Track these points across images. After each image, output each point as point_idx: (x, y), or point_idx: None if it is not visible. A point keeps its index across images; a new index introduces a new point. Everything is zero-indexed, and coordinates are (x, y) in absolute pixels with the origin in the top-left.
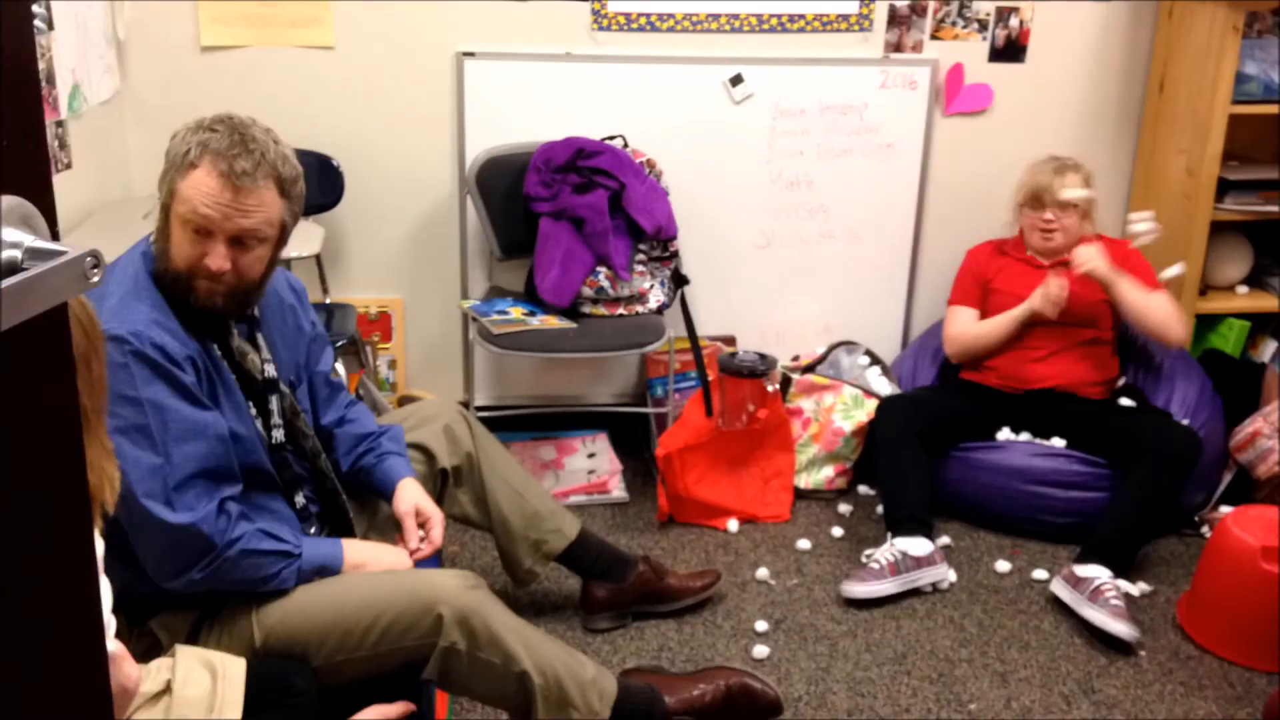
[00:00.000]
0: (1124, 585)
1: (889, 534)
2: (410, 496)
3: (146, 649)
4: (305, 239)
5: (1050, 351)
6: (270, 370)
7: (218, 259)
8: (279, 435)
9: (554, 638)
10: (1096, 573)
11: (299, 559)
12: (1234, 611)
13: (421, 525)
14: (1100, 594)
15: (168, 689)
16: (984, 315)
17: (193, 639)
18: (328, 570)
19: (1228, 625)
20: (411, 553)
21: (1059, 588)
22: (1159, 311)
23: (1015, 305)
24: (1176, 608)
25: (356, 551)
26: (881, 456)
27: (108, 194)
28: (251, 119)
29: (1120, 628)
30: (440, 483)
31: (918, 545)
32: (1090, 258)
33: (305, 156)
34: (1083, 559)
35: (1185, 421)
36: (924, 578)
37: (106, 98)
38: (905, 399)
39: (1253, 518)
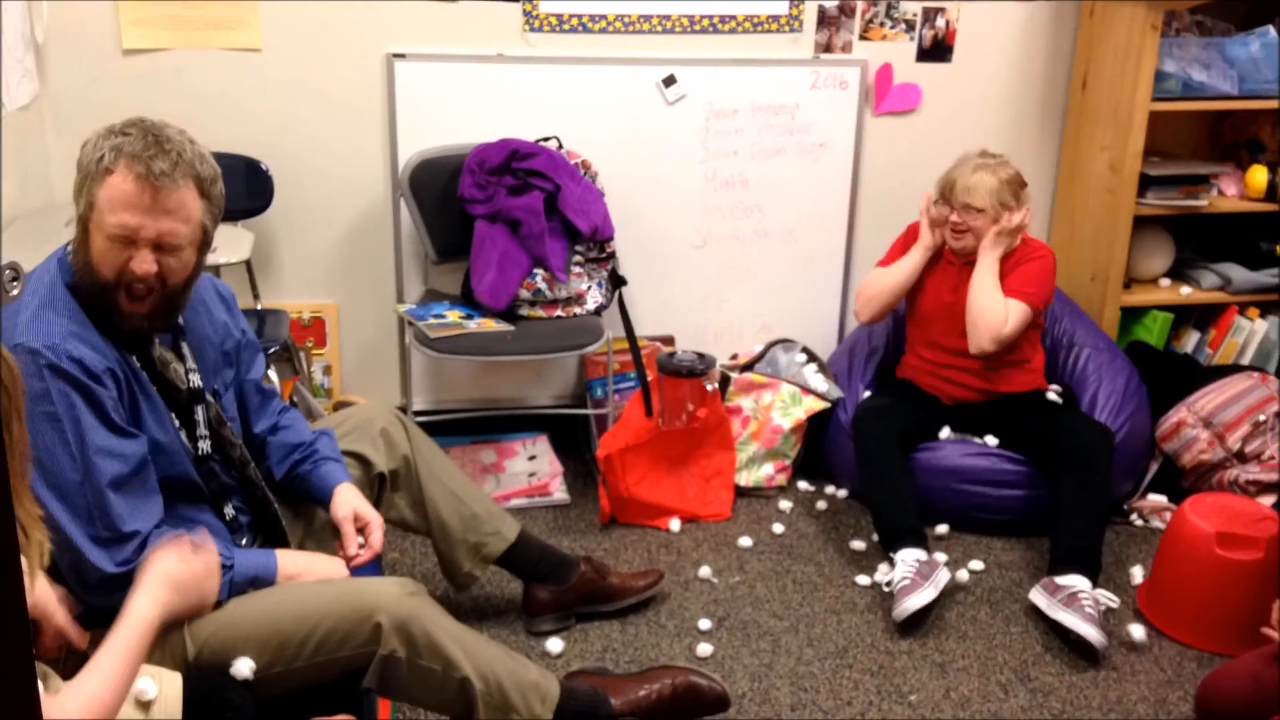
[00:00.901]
0: (1101, 597)
1: (893, 548)
2: (348, 501)
3: (78, 663)
4: (235, 244)
5: (963, 368)
6: (195, 380)
7: (144, 263)
8: (205, 446)
9: (495, 642)
10: (1074, 582)
11: (230, 571)
12: (1191, 597)
13: (360, 530)
14: (1076, 601)
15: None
16: (906, 299)
17: None
18: (261, 581)
19: (1186, 611)
20: (350, 559)
21: (1037, 596)
22: (984, 310)
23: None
24: (1137, 595)
25: (291, 561)
26: (867, 471)
27: (28, 201)
28: (164, 122)
29: (1093, 633)
30: (377, 488)
31: (919, 554)
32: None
33: (233, 160)
34: (1059, 569)
35: (1110, 414)
36: (943, 576)
37: (25, 102)
38: (878, 410)
39: (1209, 505)
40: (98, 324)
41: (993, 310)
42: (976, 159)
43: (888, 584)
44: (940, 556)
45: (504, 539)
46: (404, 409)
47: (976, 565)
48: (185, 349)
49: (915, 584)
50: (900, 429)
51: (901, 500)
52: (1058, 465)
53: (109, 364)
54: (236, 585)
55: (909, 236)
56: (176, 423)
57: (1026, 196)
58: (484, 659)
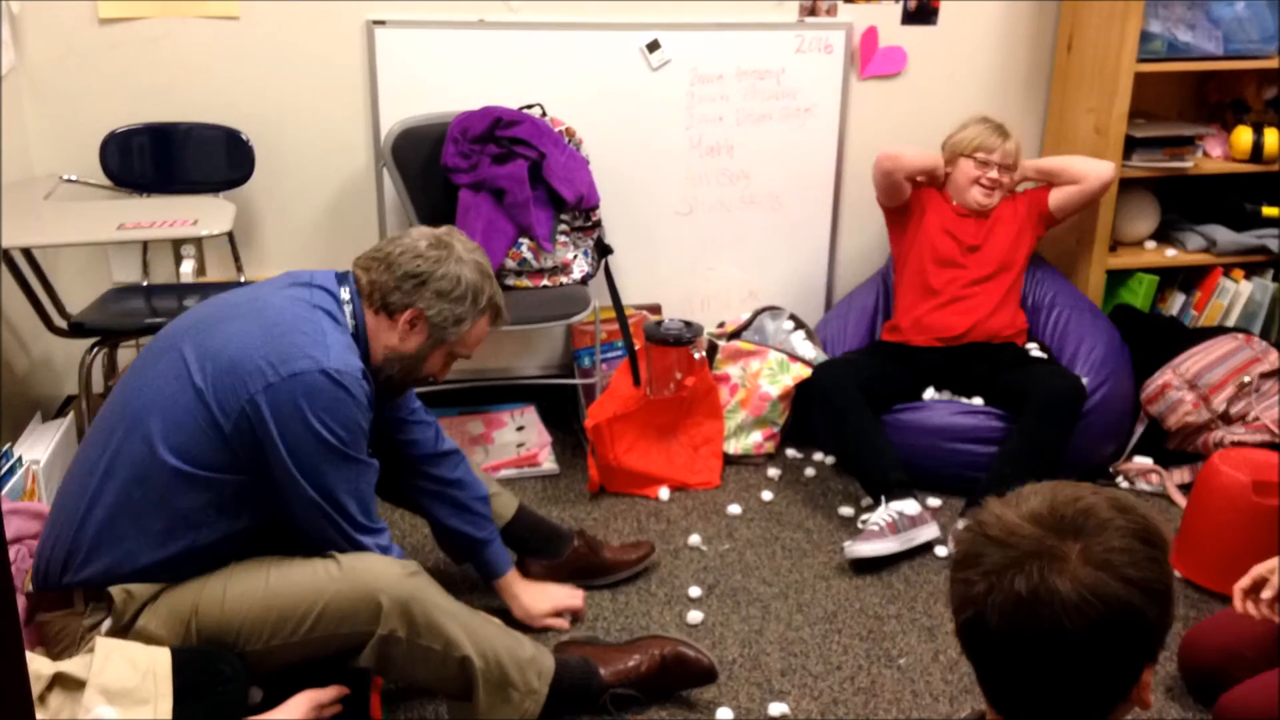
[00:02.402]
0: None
1: (882, 498)
2: (532, 595)
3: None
4: (216, 216)
5: (955, 297)
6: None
7: (445, 374)
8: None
9: (491, 618)
10: (904, 507)
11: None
12: (1227, 545)
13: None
14: (871, 527)
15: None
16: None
17: (136, 614)
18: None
19: (1222, 559)
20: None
21: (950, 541)
22: (1079, 161)
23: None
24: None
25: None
26: (835, 424)
27: (6, 174)
28: (466, 243)
29: (871, 547)
30: None
31: (909, 506)
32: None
33: (213, 131)
34: (967, 513)
35: (1091, 374)
36: (920, 536)
37: (3, 73)
38: (839, 364)
39: (1238, 457)
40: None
41: (1078, 158)
42: (992, 122)
43: (863, 520)
44: (929, 521)
45: (499, 516)
46: None
47: (964, 526)
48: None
49: (879, 534)
50: (862, 380)
51: (880, 452)
52: (1023, 413)
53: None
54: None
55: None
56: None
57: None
58: (483, 637)
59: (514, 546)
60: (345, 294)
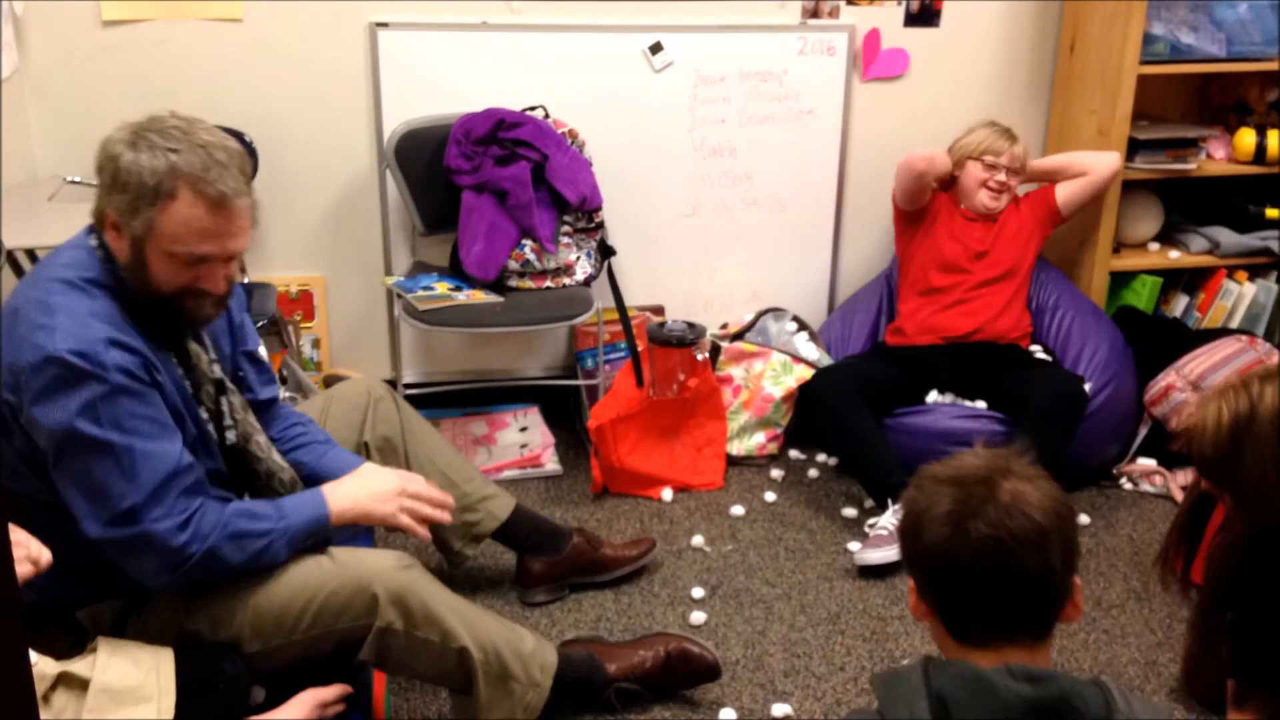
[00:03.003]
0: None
1: (888, 501)
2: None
3: (73, 643)
4: None
5: (960, 299)
6: (217, 370)
7: (217, 283)
8: (231, 436)
9: (492, 612)
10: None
11: (286, 533)
12: None
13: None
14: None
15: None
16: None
17: (119, 629)
18: (318, 532)
19: None
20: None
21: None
22: (1084, 154)
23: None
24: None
25: (344, 496)
26: (835, 430)
27: (11, 176)
28: (187, 117)
29: (870, 555)
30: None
31: None
32: None
33: None
34: None
35: (1094, 376)
36: None
37: (5, 75)
38: (839, 369)
39: None
40: (137, 322)
41: (1084, 153)
42: (999, 126)
43: (870, 525)
44: None
45: (495, 518)
46: (394, 382)
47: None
48: (206, 339)
49: (889, 539)
50: (863, 383)
51: (881, 454)
52: (1024, 415)
53: (149, 360)
54: (295, 542)
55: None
56: (205, 414)
57: None
58: (481, 629)
59: (512, 545)
60: (93, 239)
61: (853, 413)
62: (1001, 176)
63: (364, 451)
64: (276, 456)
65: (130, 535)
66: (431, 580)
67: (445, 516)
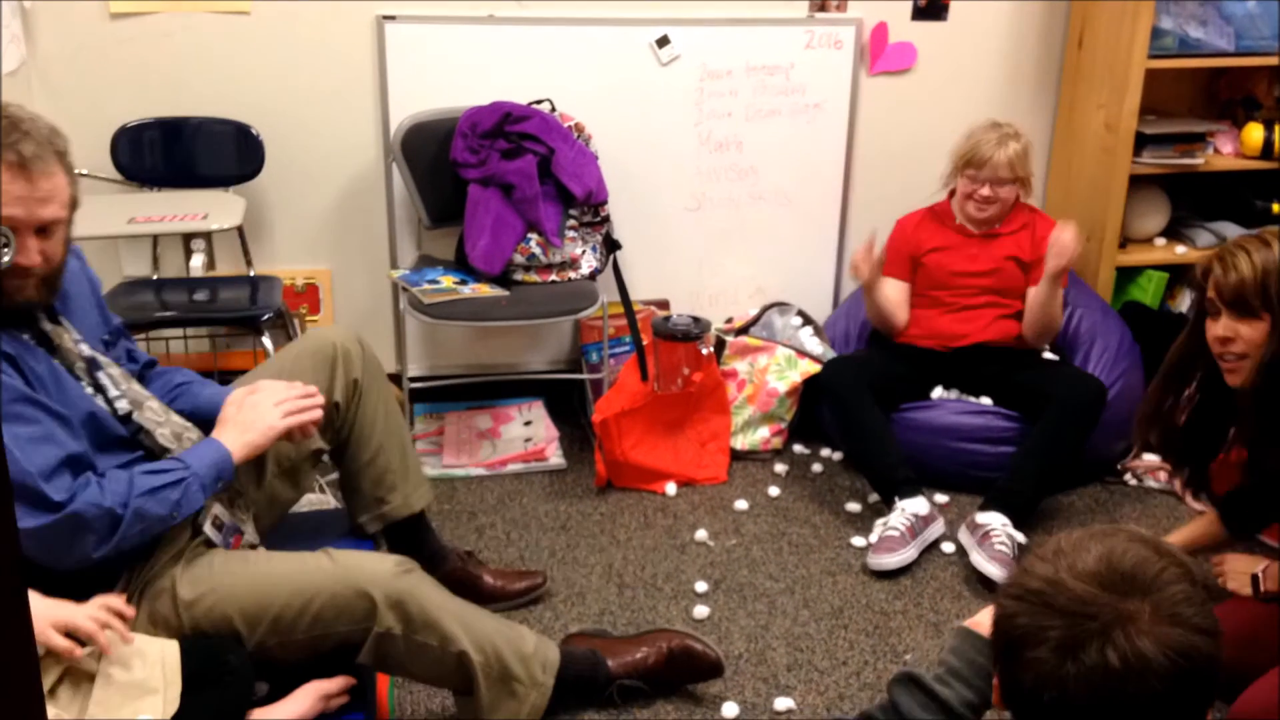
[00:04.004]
0: (1015, 534)
1: (895, 499)
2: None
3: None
4: (226, 210)
5: (963, 306)
6: (85, 349)
7: (29, 255)
8: (123, 405)
9: (491, 613)
10: (990, 520)
11: (190, 478)
12: None
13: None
14: (988, 539)
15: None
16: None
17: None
18: (225, 471)
19: None
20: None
21: (962, 535)
22: (1052, 324)
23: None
24: None
25: (230, 434)
26: (844, 422)
27: None
28: (9, 104)
29: (994, 570)
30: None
31: (920, 504)
32: (1069, 249)
33: (224, 125)
34: (984, 507)
35: (1103, 372)
36: (931, 534)
37: (13, 68)
38: (847, 362)
39: None
40: None
41: (1057, 323)
42: (993, 129)
43: (880, 523)
44: (937, 517)
45: (408, 507)
46: (398, 376)
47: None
48: (64, 320)
49: (901, 541)
50: (872, 377)
51: (888, 450)
52: (1044, 413)
53: (8, 349)
54: (208, 487)
55: (902, 238)
56: (89, 390)
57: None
58: (481, 631)
59: (401, 545)
60: None
61: (862, 406)
62: (985, 191)
63: (334, 412)
64: (176, 416)
65: (57, 520)
66: (431, 583)
67: (318, 410)
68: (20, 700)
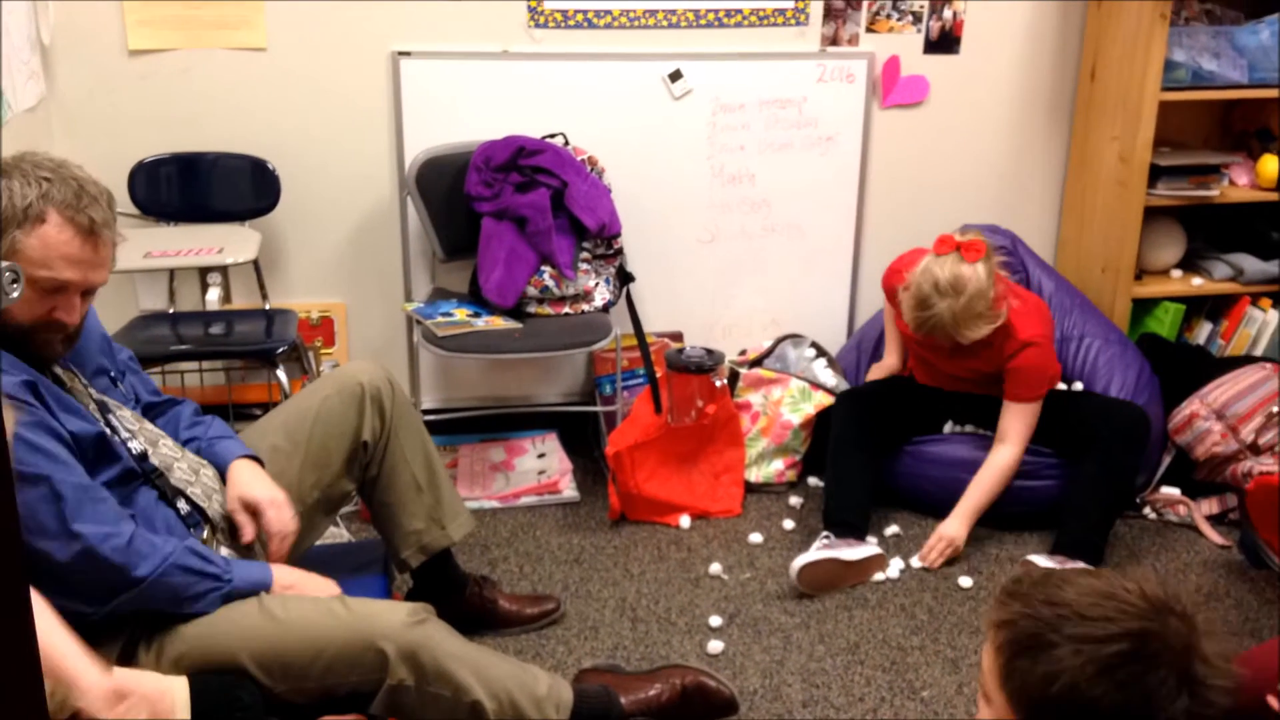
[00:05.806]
0: None
1: (830, 533)
2: (234, 483)
3: None
4: (242, 244)
5: (951, 375)
6: (94, 392)
7: (73, 314)
8: (137, 445)
9: (505, 656)
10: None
11: (230, 584)
12: None
13: (254, 514)
14: None
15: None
16: (907, 357)
17: (128, 662)
18: (257, 591)
19: None
20: (248, 545)
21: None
22: (1000, 484)
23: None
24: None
25: (287, 574)
26: (829, 452)
27: None
28: (59, 158)
29: None
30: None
31: (855, 550)
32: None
33: (240, 160)
34: (1055, 551)
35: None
36: (856, 552)
37: (32, 104)
38: (859, 395)
39: None
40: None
41: (1001, 480)
42: (935, 297)
43: (825, 538)
44: (870, 543)
45: (449, 538)
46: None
47: (989, 559)
48: (71, 366)
49: (829, 546)
50: (877, 417)
51: (850, 490)
52: (1088, 447)
53: (32, 379)
54: (231, 598)
55: (891, 298)
56: (107, 430)
57: (994, 266)
58: (494, 678)
59: (427, 574)
60: None
61: (850, 443)
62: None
63: (361, 451)
64: (190, 454)
65: (75, 554)
66: (444, 630)
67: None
68: (20, 700)
